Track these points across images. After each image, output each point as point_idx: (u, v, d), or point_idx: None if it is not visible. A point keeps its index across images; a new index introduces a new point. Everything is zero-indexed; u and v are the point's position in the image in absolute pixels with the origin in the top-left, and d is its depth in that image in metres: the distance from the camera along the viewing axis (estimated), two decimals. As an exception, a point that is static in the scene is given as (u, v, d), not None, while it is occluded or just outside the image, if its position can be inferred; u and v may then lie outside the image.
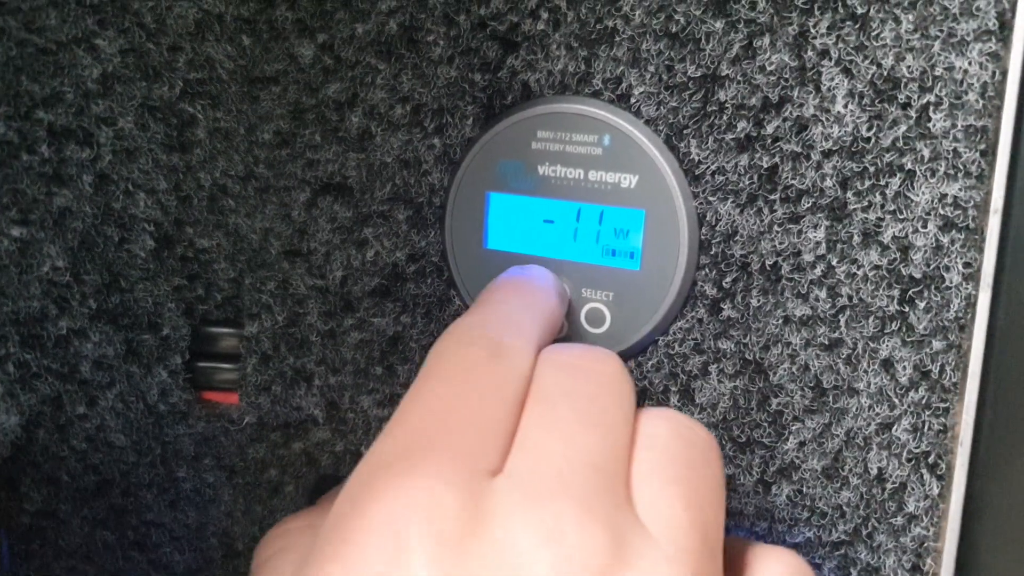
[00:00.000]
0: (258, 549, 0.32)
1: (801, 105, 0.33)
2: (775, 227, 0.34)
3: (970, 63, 0.31)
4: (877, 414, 0.33)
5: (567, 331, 0.37)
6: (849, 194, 0.33)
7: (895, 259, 0.32)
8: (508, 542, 0.23)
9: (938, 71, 0.31)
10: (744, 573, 0.30)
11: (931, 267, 0.32)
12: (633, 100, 0.35)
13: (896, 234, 0.32)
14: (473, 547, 0.23)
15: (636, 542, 0.25)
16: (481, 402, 0.26)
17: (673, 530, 0.26)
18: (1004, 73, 0.31)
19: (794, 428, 0.34)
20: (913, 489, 0.33)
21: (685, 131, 0.34)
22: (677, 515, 0.26)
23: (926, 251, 0.32)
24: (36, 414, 0.39)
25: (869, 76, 0.32)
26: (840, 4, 0.32)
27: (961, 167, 0.31)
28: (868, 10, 0.31)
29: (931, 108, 0.31)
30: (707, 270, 0.35)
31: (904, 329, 0.33)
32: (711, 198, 0.34)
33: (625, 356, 0.36)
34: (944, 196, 0.32)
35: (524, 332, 0.30)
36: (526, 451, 0.26)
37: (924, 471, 0.33)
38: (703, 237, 0.35)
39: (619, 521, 0.25)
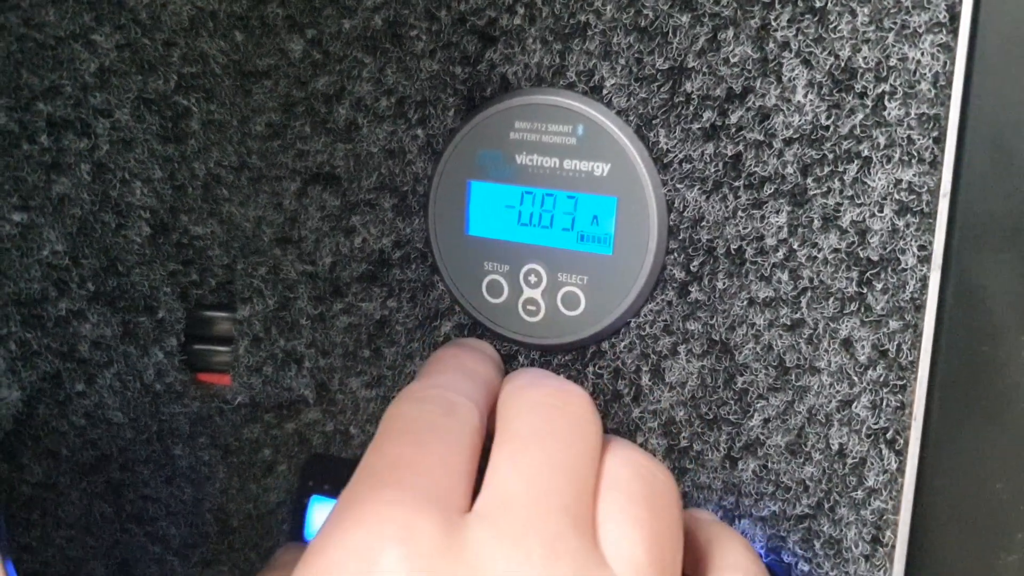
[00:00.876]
0: None
1: (763, 95, 0.34)
2: (739, 212, 0.35)
3: (922, 54, 0.32)
4: (838, 392, 0.35)
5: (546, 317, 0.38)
6: (809, 180, 0.34)
7: (853, 242, 0.34)
8: (479, 572, 0.25)
9: (892, 62, 0.32)
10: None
11: (888, 250, 0.33)
12: (605, 92, 0.36)
13: (854, 218, 0.34)
14: (446, 573, 0.25)
15: (595, 569, 0.26)
16: (444, 449, 0.28)
17: (634, 570, 0.28)
18: (954, 63, 0.32)
19: (759, 405, 0.36)
20: (872, 464, 0.35)
21: (654, 121, 0.36)
22: (638, 556, 0.28)
23: (883, 234, 0.33)
24: (37, 390, 0.41)
25: (827, 67, 0.33)
26: None
27: (915, 153, 0.33)
28: (826, 3, 0.33)
29: (886, 97, 0.33)
30: (676, 254, 0.36)
31: (863, 310, 0.34)
32: (679, 185, 0.36)
33: (599, 337, 0.38)
34: (899, 181, 0.33)
35: (470, 394, 0.32)
36: (495, 491, 0.28)
37: (883, 446, 0.34)
38: (672, 223, 0.36)
39: (583, 561, 0.26)
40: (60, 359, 0.41)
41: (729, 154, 0.35)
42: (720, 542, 0.33)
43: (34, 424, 0.42)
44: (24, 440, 0.42)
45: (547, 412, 0.30)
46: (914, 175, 0.33)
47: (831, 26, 0.33)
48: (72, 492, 0.43)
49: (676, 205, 0.36)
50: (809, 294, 0.35)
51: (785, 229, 0.35)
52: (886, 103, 0.33)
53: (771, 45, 0.34)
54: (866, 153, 0.33)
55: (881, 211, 0.33)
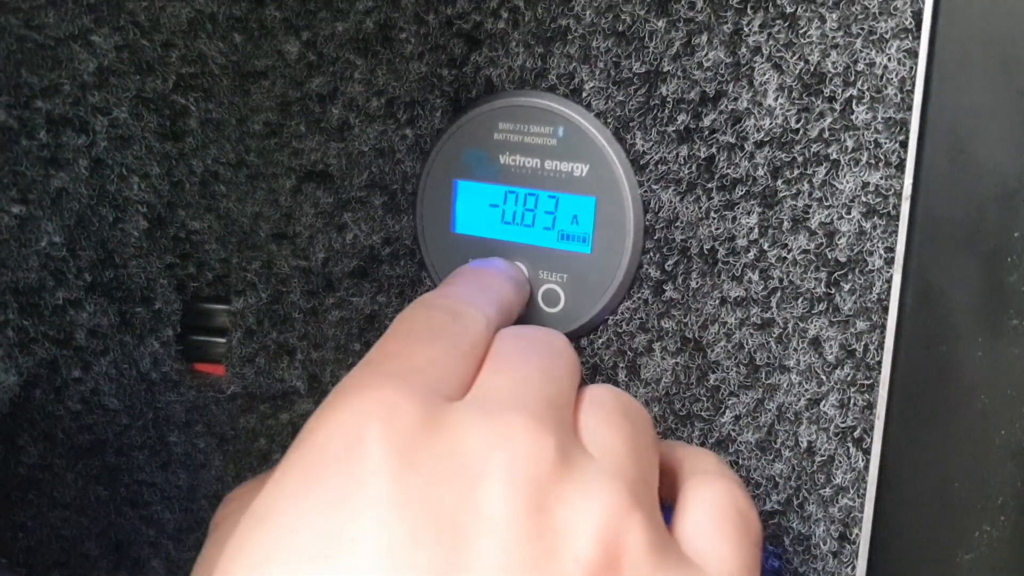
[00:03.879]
0: (217, 510, 0.35)
1: (736, 99, 0.35)
2: (712, 213, 0.36)
3: (889, 59, 0.33)
4: (806, 390, 0.35)
5: (524, 314, 0.39)
6: (779, 182, 0.35)
7: (822, 244, 0.34)
8: (460, 445, 0.26)
9: (860, 67, 0.33)
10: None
11: (855, 251, 0.34)
12: (584, 94, 0.37)
13: (823, 220, 0.34)
14: (426, 447, 0.25)
15: (579, 457, 0.27)
16: (439, 347, 0.29)
17: (614, 455, 0.28)
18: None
19: (730, 403, 0.37)
20: (840, 462, 0.35)
21: (631, 123, 0.36)
22: (617, 447, 0.29)
23: (850, 236, 0.34)
24: (33, 376, 0.43)
25: (797, 71, 0.34)
26: (771, 3, 0.34)
27: (882, 157, 0.33)
28: (796, 9, 0.34)
29: (854, 101, 0.33)
30: (652, 254, 0.37)
31: (831, 310, 0.35)
32: (655, 186, 0.37)
33: (577, 334, 0.39)
34: (867, 184, 0.33)
35: (479, 305, 0.33)
36: (482, 388, 0.29)
37: (850, 445, 0.35)
38: (648, 223, 0.37)
39: (564, 438, 0.27)
40: (57, 346, 0.43)
41: (702, 156, 0.36)
42: (691, 457, 0.33)
43: (31, 408, 0.43)
44: (21, 423, 0.43)
45: (529, 340, 0.32)
46: (881, 178, 0.33)
47: (801, 31, 0.34)
48: (67, 474, 0.45)
49: (652, 206, 0.37)
50: (779, 294, 0.35)
51: (756, 230, 0.35)
52: (854, 107, 0.33)
53: (743, 50, 0.35)
54: (834, 156, 0.34)
55: (849, 213, 0.34)
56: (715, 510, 0.30)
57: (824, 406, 0.35)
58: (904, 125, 0.33)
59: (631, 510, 0.26)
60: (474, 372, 0.30)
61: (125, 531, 0.46)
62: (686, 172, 0.36)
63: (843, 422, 0.35)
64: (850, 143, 0.34)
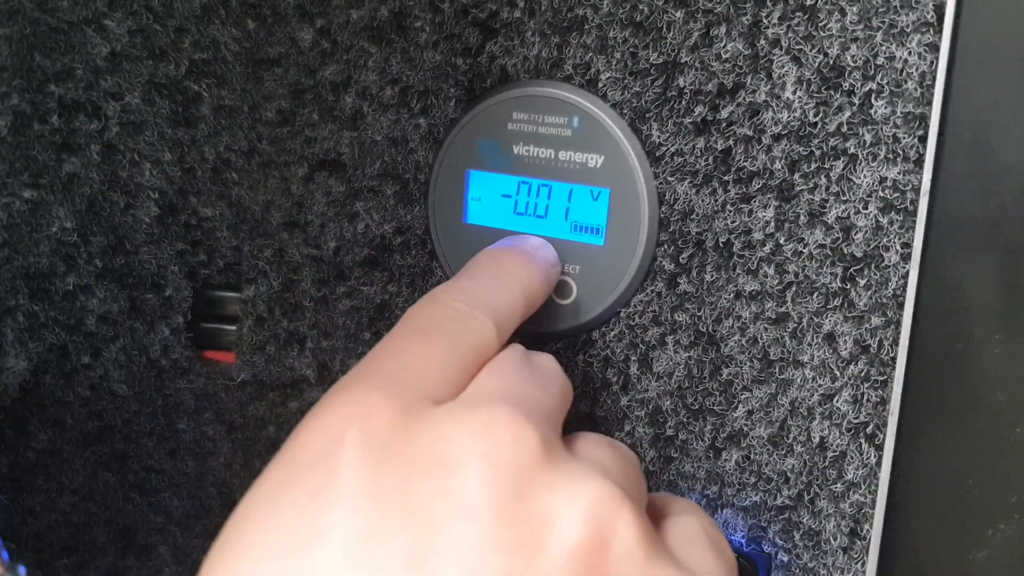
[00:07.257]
0: None
1: (754, 91, 0.35)
2: (728, 206, 0.36)
3: (910, 53, 0.32)
4: (820, 385, 0.35)
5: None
6: (796, 176, 0.34)
7: (838, 238, 0.34)
8: (441, 439, 0.25)
9: (880, 60, 0.33)
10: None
11: (871, 247, 0.34)
12: (600, 85, 0.37)
13: (839, 215, 0.34)
14: (405, 443, 0.25)
15: (564, 454, 0.27)
16: (438, 350, 0.29)
17: (602, 463, 0.28)
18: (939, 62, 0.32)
19: (743, 397, 0.36)
20: (852, 458, 0.35)
21: (647, 115, 0.36)
22: (605, 458, 0.28)
23: (867, 231, 0.34)
24: (43, 361, 0.43)
25: (816, 64, 0.34)
26: None
27: (900, 152, 0.33)
28: (816, 2, 0.33)
29: (873, 95, 0.33)
30: (666, 246, 0.37)
31: (846, 305, 0.34)
32: (670, 178, 0.36)
33: (589, 327, 0.38)
34: (884, 179, 0.33)
35: (493, 308, 0.31)
36: (473, 388, 0.28)
37: (863, 440, 0.35)
38: (662, 215, 0.37)
39: (549, 434, 0.27)
40: (67, 332, 0.43)
41: (719, 148, 0.35)
42: (673, 501, 0.33)
43: (40, 393, 0.43)
44: (30, 408, 0.43)
45: (530, 357, 0.31)
46: (899, 173, 0.33)
47: (821, 24, 0.33)
48: (76, 460, 0.44)
49: (667, 198, 0.37)
50: (794, 288, 0.35)
51: (772, 224, 0.35)
52: (873, 101, 0.33)
53: (762, 42, 0.34)
54: (852, 150, 0.34)
55: (866, 208, 0.34)
56: (695, 532, 0.30)
57: (837, 402, 0.35)
58: (923, 120, 0.32)
59: (622, 499, 0.26)
60: (471, 378, 0.29)
61: (133, 517, 0.46)
62: (702, 164, 0.36)
63: (856, 418, 0.35)
64: (868, 137, 0.33)
